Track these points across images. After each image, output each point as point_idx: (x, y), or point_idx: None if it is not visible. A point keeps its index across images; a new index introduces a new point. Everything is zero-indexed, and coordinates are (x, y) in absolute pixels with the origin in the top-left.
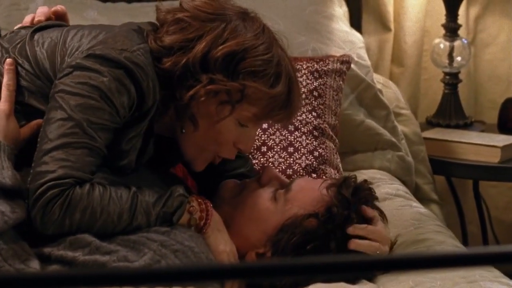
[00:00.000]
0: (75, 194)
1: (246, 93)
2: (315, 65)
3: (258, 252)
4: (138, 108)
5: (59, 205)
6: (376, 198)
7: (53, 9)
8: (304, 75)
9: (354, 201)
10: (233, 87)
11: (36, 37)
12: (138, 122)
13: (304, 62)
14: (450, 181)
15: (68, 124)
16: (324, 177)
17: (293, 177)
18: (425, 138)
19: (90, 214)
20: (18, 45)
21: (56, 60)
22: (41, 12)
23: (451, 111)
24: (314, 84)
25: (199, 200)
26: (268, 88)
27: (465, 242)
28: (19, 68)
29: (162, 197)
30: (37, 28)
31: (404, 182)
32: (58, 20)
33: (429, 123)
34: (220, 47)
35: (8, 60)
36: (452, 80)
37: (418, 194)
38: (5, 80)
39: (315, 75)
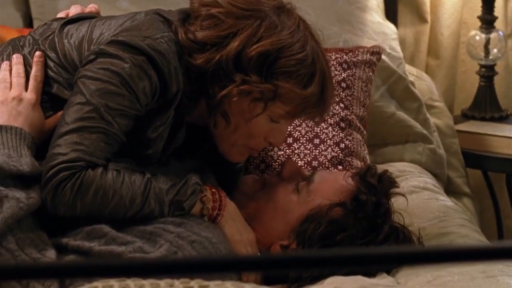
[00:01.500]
0: (87, 176)
1: (279, 92)
2: (344, 56)
3: (283, 244)
4: (162, 95)
5: (70, 187)
6: (397, 187)
7: (87, 9)
8: (333, 66)
9: (381, 187)
10: (266, 88)
11: (65, 29)
12: (164, 110)
13: (333, 53)
14: (486, 175)
15: (86, 109)
16: (350, 169)
17: (318, 169)
18: (458, 131)
19: (102, 196)
20: (49, 38)
21: (83, 50)
22: (74, 13)
23: (486, 104)
24: (343, 75)
25: (213, 190)
26: (301, 88)
27: (500, 236)
28: (48, 60)
29: (176, 185)
30: (68, 20)
31: (435, 175)
32: None
33: (464, 116)
34: (254, 46)
35: (38, 53)
36: (487, 73)
37: (450, 188)
38: (33, 71)
39: (343, 66)
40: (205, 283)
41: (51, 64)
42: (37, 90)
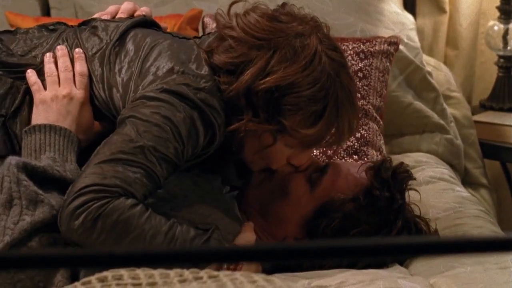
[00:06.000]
0: (117, 203)
1: (286, 129)
2: (362, 46)
3: (296, 238)
4: (203, 149)
5: (96, 207)
6: (414, 179)
7: (138, 12)
8: (350, 56)
9: (395, 183)
10: (270, 129)
11: (117, 58)
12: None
13: (350, 43)
14: (504, 165)
15: (131, 145)
16: (365, 158)
17: (333, 158)
18: (476, 122)
19: (124, 226)
20: (97, 54)
21: (129, 90)
22: (125, 9)
23: (504, 95)
24: (360, 65)
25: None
26: (307, 127)
27: None
28: (93, 81)
29: (199, 237)
30: (117, 39)
31: (452, 166)
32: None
33: (483, 107)
34: (263, 81)
35: (78, 49)
36: (506, 63)
37: (468, 179)
38: (77, 67)
39: (360, 56)
40: (215, 273)
41: (95, 89)
42: (86, 87)
